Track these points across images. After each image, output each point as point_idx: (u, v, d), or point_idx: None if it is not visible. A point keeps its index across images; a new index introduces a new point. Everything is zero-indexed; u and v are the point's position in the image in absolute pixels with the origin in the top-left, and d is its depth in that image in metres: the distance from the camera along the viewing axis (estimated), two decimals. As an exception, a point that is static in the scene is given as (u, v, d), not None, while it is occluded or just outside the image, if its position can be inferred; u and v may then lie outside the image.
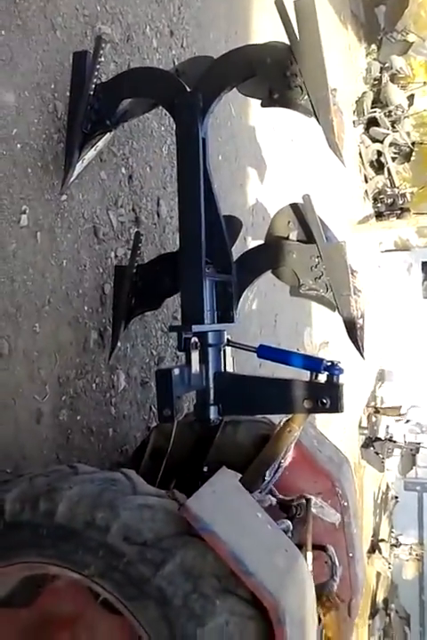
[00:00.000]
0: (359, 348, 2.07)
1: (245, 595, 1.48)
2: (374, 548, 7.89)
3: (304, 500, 2.06)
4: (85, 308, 2.75)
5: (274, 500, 2.01)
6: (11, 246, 2.29)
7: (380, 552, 7.85)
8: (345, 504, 2.30)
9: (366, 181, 8.60)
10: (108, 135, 2.47)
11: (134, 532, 1.51)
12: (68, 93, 2.61)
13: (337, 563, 2.04)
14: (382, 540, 8.16)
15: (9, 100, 2.29)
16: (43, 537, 1.57)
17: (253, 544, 1.56)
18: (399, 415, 7.76)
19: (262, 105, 2.15)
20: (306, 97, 2.00)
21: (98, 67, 2.40)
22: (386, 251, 8.98)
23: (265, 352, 2.12)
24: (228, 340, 2.27)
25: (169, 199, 3.50)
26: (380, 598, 8.03)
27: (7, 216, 2.27)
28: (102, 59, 2.45)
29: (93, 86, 2.36)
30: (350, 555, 2.29)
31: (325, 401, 1.95)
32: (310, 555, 1.89)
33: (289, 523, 1.97)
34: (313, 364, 2.02)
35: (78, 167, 2.40)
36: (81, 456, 2.75)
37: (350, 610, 1.91)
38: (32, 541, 1.58)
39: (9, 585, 1.78)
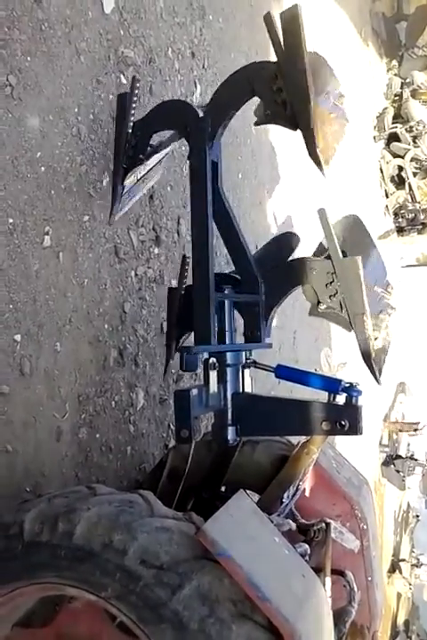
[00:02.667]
0: (374, 373, 2.04)
1: (261, 620, 1.47)
2: (394, 567, 7.74)
3: (324, 525, 2.04)
4: (106, 326, 2.79)
5: (293, 525, 2.00)
6: (34, 267, 2.34)
7: (400, 572, 7.70)
8: (364, 527, 2.28)
9: (387, 196, 8.56)
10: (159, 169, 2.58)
11: (151, 555, 1.52)
12: (91, 116, 2.67)
13: (355, 588, 2.01)
14: (403, 560, 8.00)
15: (34, 123, 2.35)
16: (61, 558, 1.59)
17: (269, 569, 1.56)
18: (415, 431, 7.63)
19: (255, 123, 2.18)
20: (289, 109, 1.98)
21: (134, 105, 2.46)
22: (407, 265, 8.88)
23: (283, 372, 2.12)
24: (250, 359, 2.26)
25: (189, 218, 3.52)
26: (401, 620, 7.86)
27: (31, 237, 2.32)
28: (138, 98, 2.55)
29: (131, 124, 2.46)
30: (369, 579, 2.26)
31: (343, 423, 1.93)
32: (328, 580, 1.87)
33: (307, 546, 1.95)
34: (331, 385, 2.01)
35: (127, 201, 2.54)
36: (99, 474, 2.77)
37: (373, 639, 1.88)
38: (50, 562, 1.60)
39: (27, 605, 1.81)
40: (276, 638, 1.47)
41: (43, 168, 2.39)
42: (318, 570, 2.00)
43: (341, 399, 2.02)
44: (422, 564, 8.32)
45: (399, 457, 7.62)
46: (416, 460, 7.78)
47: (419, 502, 8.78)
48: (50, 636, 1.76)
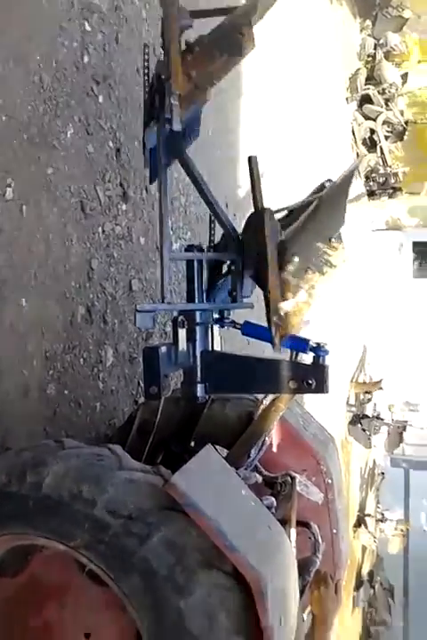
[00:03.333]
0: (272, 337, 1.95)
1: (227, 568, 1.51)
2: (360, 522, 8.04)
3: (289, 478, 2.08)
4: (72, 283, 2.73)
5: (259, 478, 2.03)
6: (-4, 220, 2.26)
7: (366, 527, 8.00)
8: (329, 482, 2.33)
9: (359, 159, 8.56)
10: None
11: (120, 506, 1.53)
12: (53, 64, 2.56)
13: (320, 540, 2.07)
14: (369, 515, 8.32)
15: (-7, 70, 2.25)
16: (29, 509, 1.59)
17: (236, 520, 1.59)
18: (380, 389, 7.83)
19: None
20: None
21: (146, 71, 2.32)
22: (377, 230, 8.98)
23: (249, 329, 2.10)
24: (228, 319, 2.24)
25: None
26: (365, 571, 8.21)
27: (-8, 189, 2.24)
28: (148, 63, 2.37)
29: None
30: (334, 531, 2.33)
31: (310, 382, 1.95)
32: (293, 532, 1.91)
33: (273, 499, 2.00)
34: (299, 344, 2.02)
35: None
36: (68, 429, 2.76)
37: (336, 588, 1.94)
38: (19, 513, 1.60)
39: (-4, 555, 1.81)
40: (242, 585, 1.51)
41: (3, 117, 2.29)
42: (284, 522, 2.06)
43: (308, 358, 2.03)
44: (386, 519, 8.66)
45: (366, 416, 7.83)
46: (382, 419, 8.01)
47: (384, 460, 9.08)
48: (20, 586, 1.77)
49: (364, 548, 8.09)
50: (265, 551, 1.58)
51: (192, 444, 2.47)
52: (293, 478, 2.07)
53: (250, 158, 1.99)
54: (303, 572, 1.96)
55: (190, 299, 2.18)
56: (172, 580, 1.47)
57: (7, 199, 2.30)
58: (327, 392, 1.94)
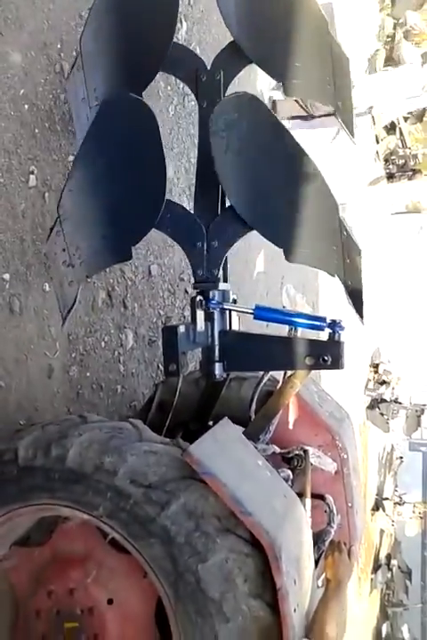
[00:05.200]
0: (361, 311, 2.05)
1: (243, 534, 1.57)
2: (378, 506, 8.06)
3: (302, 451, 2.14)
4: (94, 268, 2.81)
5: (276, 449, 2.09)
6: (20, 206, 2.34)
7: (383, 510, 8.03)
8: (345, 456, 2.38)
9: (378, 142, 8.47)
10: None
11: (140, 475, 1.61)
12: (73, 53, 2.62)
13: (335, 511, 2.13)
14: (386, 499, 8.33)
15: (16, 59, 2.32)
16: (54, 480, 1.67)
17: (252, 488, 1.65)
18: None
19: None
20: None
21: None
22: (396, 213, 8.89)
23: (263, 313, 2.14)
24: (234, 300, 2.30)
25: (176, 160, 3.51)
26: (383, 554, 8.24)
27: (16, 176, 2.32)
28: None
29: None
30: (350, 505, 2.38)
31: (326, 358, 1.99)
32: (308, 502, 1.97)
33: (289, 472, 2.06)
34: (316, 322, 2.06)
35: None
36: (91, 410, 2.85)
37: (349, 554, 2.00)
38: (44, 485, 1.68)
39: (24, 526, 1.90)
40: (257, 550, 1.57)
41: (26, 106, 2.36)
42: (300, 495, 2.12)
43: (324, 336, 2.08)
44: (404, 503, 8.66)
45: (384, 400, 7.83)
46: (400, 403, 7.99)
47: (403, 444, 9.07)
48: (46, 554, 1.87)
49: (382, 532, 8.11)
50: (280, 517, 1.64)
51: (210, 423, 2.54)
52: (306, 451, 2.12)
53: None
54: (318, 541, 2.02)
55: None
56: (191, 545, 1.54)
57: (30, 186, 2.38)
58: (343, 368, 1.98)
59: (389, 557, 8.32)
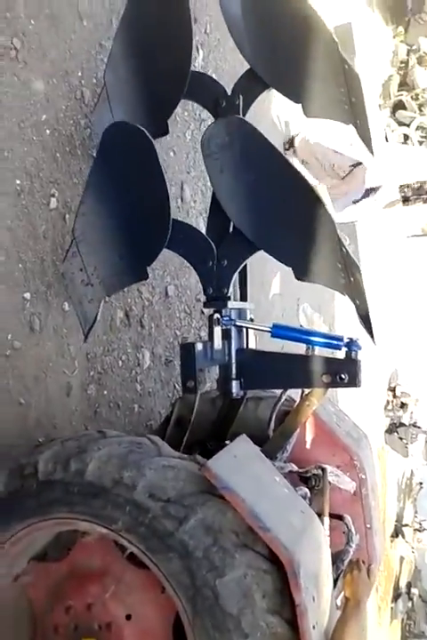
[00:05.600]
0: (371, 333, 2.05)
1: (262, 550, 1.57)
2: (397, 532, 7.90)
3: (320, 470, 2.13)
4: (112, 288, 2.86)
5: (294, 467, 2.09)
6: (41, 228, 2.40)
7: (403, 537, 7.86)
8: (363, 477, 2.37)
9: (393, 166, 8.49)
10: None
11: (159, 490, 1.61)
12: (94, 80, 2.71)
13: (354, 531, 2.11)
14: (406, 525, 8.16)
15: (39, 87, 2.40)
16: (74, 494, 1.69)
17: (270, 504, 1.65)
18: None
19: None
20: None
21: None
22: (413, 236, 8.86)
23: (280, 331, 2.15)
24: (251, 319, 2.32)
25: (192, 183, 3.58)
26: (403, 582, 8.04)
27: (38, 199, 2.38)
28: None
29: None
30: (368, 526, 2.36)
31: (343, 376, 1.99)
32: (326, 520, 1.96)
33: (307, 491, 2.05)
34: (332, 341, 2.07)
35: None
36: (108, 429, 2.87)
37: (368, 573, 1.97)
38: (64, 498, 1.70)
39: (42, 541, 1.91)
40: (276, 566, 1.57)
41: (48, 131, 2.44)
42: (318, 515, 2.10)
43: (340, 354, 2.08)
44: (424, 529, 8.47)
45: (403, 425, 7.72)
46: (419, 427, 7.87)
47: (422, 469, 8.91)
48: (64, 570, 1.87)
49: (401, 559, 7.93)
50: (298, 533, 1.63)
51: (227, 442, 2.54)
52: (323, 470, 2.11)
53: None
54: (337, 561, 2.00)
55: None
56: (209, 560, 1.54)
57: (51, 208, 2.44)
58: (360, 386, 1.98)
59: (409, 586, 8.12)
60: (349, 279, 1.99)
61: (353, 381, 2.00)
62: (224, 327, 2.14)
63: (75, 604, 1.80)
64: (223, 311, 2.15)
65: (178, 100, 2.42)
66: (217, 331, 2.13)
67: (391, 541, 7.60)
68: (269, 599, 1.54)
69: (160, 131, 2.43)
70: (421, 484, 9.04)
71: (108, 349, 2.87)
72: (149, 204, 2.10)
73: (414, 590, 8.25)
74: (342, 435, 2.45)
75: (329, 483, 2.11)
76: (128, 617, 1.75)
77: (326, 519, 1.97)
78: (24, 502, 1.75)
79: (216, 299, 2.15)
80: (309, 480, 2.24)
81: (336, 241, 1.92)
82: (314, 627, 1.50)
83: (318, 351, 2.07)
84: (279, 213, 2.04)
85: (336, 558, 2.00)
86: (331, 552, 1.92)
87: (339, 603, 1.83)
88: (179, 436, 2.29)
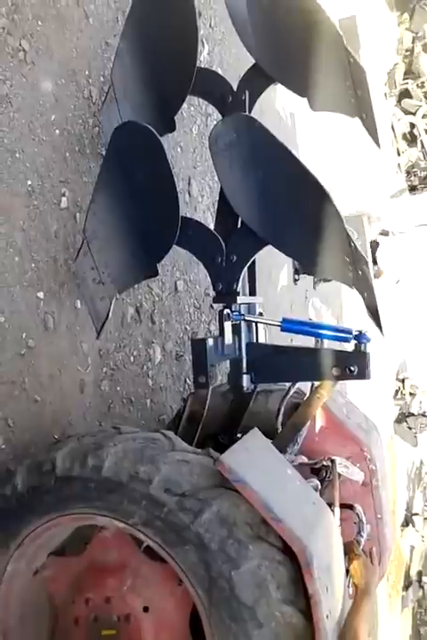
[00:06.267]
0: (379, 325, 2.07)
1: (275, 542, 1.60)
2: (407, 521, 7.93)
3: (330, 461, 2.16)
4: (122, 285, 2.89)
5: (305, 459, 2.12)
6: (53, 227, 2.44)
7: (413, 526, 7.89)
8: (373, 468, 2.39)
9: (399, 154, 8.48)
10: None
11: (174, 484, 1.65)
12: (101, 78, 2.73)
13: (364, 520, 2.14)
14: (416, 514, 8.19)
15: (47, 87, 2.43)
16: (91, 490, 1.73)
17: (282, 495, 1.68)
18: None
19: None
20: None
21: None
22: (420, 225, 8.84)
23: (290, 325, 2.18)
24: (260, 313, 2.35)
25: (200, 179, 3.60)
26: (414, 571, 8.08)
27: (49, 199, 2.41)
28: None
29: None
30: (379, 516, 2.38)
31: (352, 368, 2.02)
32: (337, 510, 1.99)
33: (318, 482, 2.08)
34: (342, 334, 2.09)
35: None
36: (121, 424, 2.91)
37: (371, 558, 2.00)
38: (82, 494, 1.74)
39: (61, 536, 1.96)
40: (289, 558, 1.60)
41: (57, 131, 2.46)
42: (329, 505, 2.13)
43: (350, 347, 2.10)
44: (434, 517, 8.50)
45: (412, 414, 7.74)
46: (428, 416, 7.89)
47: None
48: (83, 564, 1.92)
49: (412, 548, 7.97)
50: (310, 524, 1.67)
51: (239, 435, 2.58)
52: (333, 461, 2.14)
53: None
54: (349, 551, 2.03)
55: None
56: (224, 552, 1.58)
57: (62, 207, 2.47)
58: (369, 378, 2.01)
59: (420, 574, 8.16)
60: (357, 273, 2.01)
61: (363, 373, 2.03)
62: (234, 322, 2.17)
63: (94, 597, 1.84)
64: (233, 306, 2.18)
65: (184, 97, 2.44)
66: (227, 326, 2.16)
67: (402, 531, 7.63)
68: (284, 589, 1.58)
69: (167, 128, 2.45)
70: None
71: (120, 346, 2.91)
72: (159, 202, 2.12)
73: (425, 579, 8.28)
74: (351, 426, 2.47)
75: (339, 474, 2.13)
76: (146, 609, 1.79)
77: (337, 509, 1.99)
78: (43, 498, 1.79)
79: (226, 294, 2.18)
80: (319, 471, 2.27)
81: (345, 236, 1.94)
82: (327, 616, 1.54)
83: (328, 344, 2.10)
84: (288, 209, 2.06)
85: (347, 548, 2.02)
86: (342, 542, 1.95)
87: (351, 592, 1.87)
88: (192, 431, 2.33)
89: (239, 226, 2.22)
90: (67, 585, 1.95)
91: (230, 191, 2.13)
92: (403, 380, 7.90)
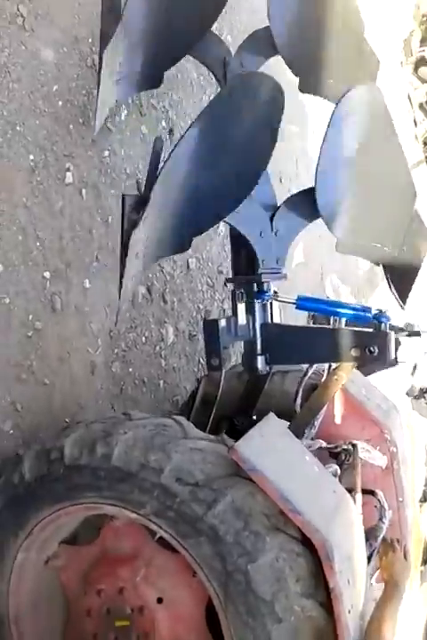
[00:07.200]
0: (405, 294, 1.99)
1: (294, 533, 1.52)
2: (425, 497, 7.84)
3: (351, 446, 2.07)
4: (132, 263, 2.80)
5: (323, 443, 2.03)
6: (58, 204, 2.34)
7: (432, 501, 7.80)
8: (394, 450, 2.30)
9: (416, 125, 8.18)
10: None
11: (186, 474, 1.58)
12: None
13: (386, 506, 2.05)
14: (435, 490, 8.09)
15: (48, 56, 2.31)
16: (101, 479, 1.66)
17: (300, 484, 1.60)
18: None
19: None
20: None
21: None
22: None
23: (305, 303, 2.07)
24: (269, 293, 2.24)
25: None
26: (432, 548, 8.01)
27: (53, 173, 2.31)
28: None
29: None
30: (400, 499, 2.30)
31: (372, 349, 1.91)
32: (359, 497, 1.91)
33: (337, 467, 1.99)
34: (360, 313, 1.99)
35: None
36: (134, 406, 2.84)
37: (405, 553, 1.93)
38: (91, 483, 1.67)
39: (71, 525, 1.91)
40: (308, 549, 1.52)
41: (60, 102, 2.35)
42: (350, 491, 2.05)
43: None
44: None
45: (431, 389, 7.59)
46: (447, 392, 7.73)
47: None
48: (95, 553, 1.86)
49: (431, 524, 7.90)
50: (330, 514, 1.59)
51: (254, 417, 2.50)
52: (354, 446, 2.05)
53: (156, 140, 1.81)
54: (370, 538, 1.95)
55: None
56: (240, 544, 1.51)
57: (67, 183, 2.37)
58: (390, 360, 1.90)
59: (439, 551, 8.09)
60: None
61: (383, 355, 1.92)
62: (265, 302, 2.05)
63: (106, 588, 1.79)
64: (265, 285, 2.07)
65: (183, 55, 2.28)
66: (241, 306, 2.07)
67: (421, 506, 7.55)
68: (303, 583, 1.50)
69: (155, 83, 2.25)
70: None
71: (132, 326, 2.83)
72: (244, 168, 1.88)
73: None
74: (371, 407, 2.37)
75: (360, 459, 2.05)
76: (160, 600, 1.74)
77: (359, 495, 1.91)
78: (52, 487, 1.73)
79: (272, 271, 2.07)
80: (338, 456, 2.19)
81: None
82: (350, 611, 1.47)
83: (347, 325, 1.99)
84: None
85: (369, 535, 1.94)
86: (363, 529, 1.87)
87: (373, 582, 1.79)
88: (205, 414, 2.26)
89: (285, 200, 2.10)
90: (79, 574, 1.91)
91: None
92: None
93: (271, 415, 1.80)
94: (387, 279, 2.31)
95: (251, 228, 2.03)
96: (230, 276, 2.21)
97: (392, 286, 2.35)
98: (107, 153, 2.59)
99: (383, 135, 1.88)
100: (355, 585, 1.54)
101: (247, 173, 1.88)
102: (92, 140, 2.50)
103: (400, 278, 2.03)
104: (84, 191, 2.45)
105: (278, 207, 2.08)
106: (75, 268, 2.43)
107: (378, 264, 1.98)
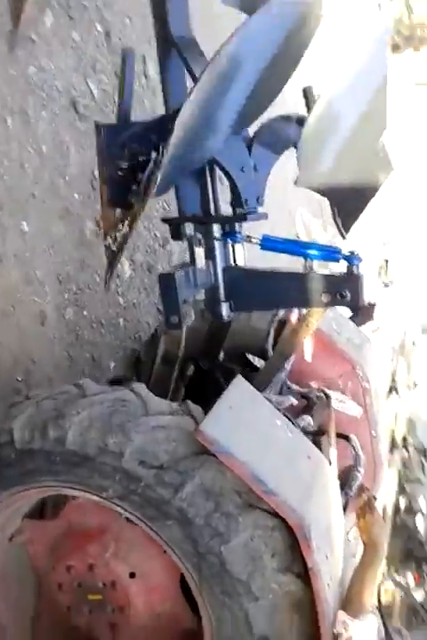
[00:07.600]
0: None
1: (268, 508, 1.43)
2: (391, 390, 8.10)
3: (324, 396, 1.97)
4: (75, 195, 2.51)
5: (294, 401, 1.92)
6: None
7: (397, 393, 8.08)
8: (366, 385, 2.24)
9: (380, 10, 7.60)
10: None
11: (150, 456, 1.45)
12: None
13: (361, 454, 2.00)
14: (401, 384, 8.37)
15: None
16: (56, 463, 1.52)
17: (273, 458, 1.49)
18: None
19: None
20: None
21: None
22: (420, 84, 8.14)
23: (271, 244, 1.88)
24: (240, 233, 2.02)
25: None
26: (398, 436, 8.40)
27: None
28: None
29: None
30: (374, 434, 2.26)
31: (344, 294, 1.76)
32: (334, 451, 1.83)
33: (310, 418, 1.90)
34: (330, 253, 1.81)
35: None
36: (93, 351, 2.68)
37: (384, 514, 1.89)
38: (46, 468, 1.54)
39: (31, 502, 1.79)
40: (284, 522, 1.44)
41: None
42: (322, 432, 1.97)
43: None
44: (417, 386, 8.71)
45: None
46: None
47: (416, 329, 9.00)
48: (61, 527, 1.76)
49: (396, 415, 8.23)
50: (306, 487, 1.50)
51: (221, 357, 2.37)
52: (328, 397, 1.95)
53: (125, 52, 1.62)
54: (345, 486, 1.90)
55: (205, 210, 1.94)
56: (211, 527, 1.41)
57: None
58: (363, 305, 1.76)
59: (404, 439, 8.51)
60: None
61: (356, 300, 1.77)
62: (239, 243, 1.86)
63: (75, 565, 1.71)
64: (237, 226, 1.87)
65: None
66: (198, 251, 1.85)
67: (387, 398, 7.80)
68: (279, 557, 1.43)
69: None
70: (413, 343, 9.17)
71: (82, 266, 2.59)
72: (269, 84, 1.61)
73: (410, 441, 8.65)
74: (342, 343, 2.27)
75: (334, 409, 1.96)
76: (132, 575, 1.67)
77: (333, 449, 1.83)
78: (5, 472, 1.59)
79: (253, 210, 1.86)
80: (309, 399, 2.10)
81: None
82: (329, 585, 1.41)
83: (318, 268, 1.82)
84: None
85: (343, 483, 1.89)
86: (338, 473, 1.82)
87: (350, 538, 1.76)
88: (167, 373, 2.10)
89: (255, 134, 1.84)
90: (46, 548, 1.81)
91: None
92: (387, 261, 7.72)
93: (239, 379, 1.65)
94: (331, 207, 2.13)
95: (233, 162, 1.79)
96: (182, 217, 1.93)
97: (337, 215, 2.17)
98: (33, 69, 2.22)
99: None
100: (333, 555, 1.48)
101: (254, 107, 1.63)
102: (11, 52, 2.12)
103: (347, 207, 1.86)
104: (9, 119, 2.11)
105: (252, 138, 1.83)
106: (8, 211, 2.15)
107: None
